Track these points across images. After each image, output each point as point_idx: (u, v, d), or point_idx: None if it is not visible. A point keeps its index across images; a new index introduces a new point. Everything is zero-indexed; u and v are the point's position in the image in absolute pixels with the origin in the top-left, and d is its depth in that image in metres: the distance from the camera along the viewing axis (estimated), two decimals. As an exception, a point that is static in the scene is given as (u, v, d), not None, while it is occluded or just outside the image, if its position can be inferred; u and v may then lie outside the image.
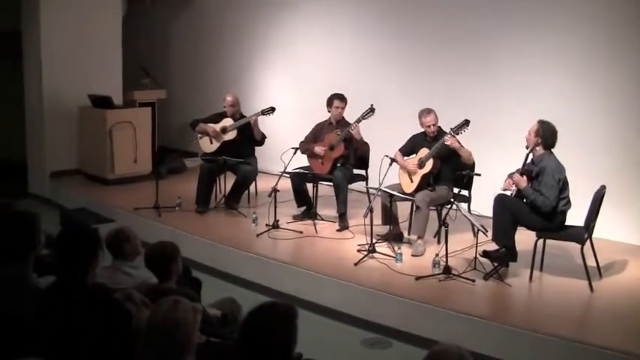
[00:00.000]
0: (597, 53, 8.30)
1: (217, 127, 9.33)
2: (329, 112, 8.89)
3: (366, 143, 8.66)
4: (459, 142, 7.66)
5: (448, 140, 7.59)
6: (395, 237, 7.99)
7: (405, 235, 8.15)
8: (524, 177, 6.85)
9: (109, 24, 11.73)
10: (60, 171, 11.35)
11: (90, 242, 4.18)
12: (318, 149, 8.69)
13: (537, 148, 6.86)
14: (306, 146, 8.84)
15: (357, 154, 8.74)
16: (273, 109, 9.31)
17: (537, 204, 6.71)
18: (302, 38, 11.50)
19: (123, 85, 11.91)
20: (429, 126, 7.91)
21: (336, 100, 8.80)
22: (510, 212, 6.91)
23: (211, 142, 9.35)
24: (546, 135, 6.84)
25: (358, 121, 8.49)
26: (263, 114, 9.24)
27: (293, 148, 8.62)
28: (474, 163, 7.84)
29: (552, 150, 6.89)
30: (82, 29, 11.27)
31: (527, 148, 6.91)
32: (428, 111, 7.94)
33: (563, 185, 6.78)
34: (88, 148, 11.29)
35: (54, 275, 4.27)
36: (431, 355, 3.01)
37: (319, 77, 10.98)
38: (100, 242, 4.28)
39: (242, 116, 9.37)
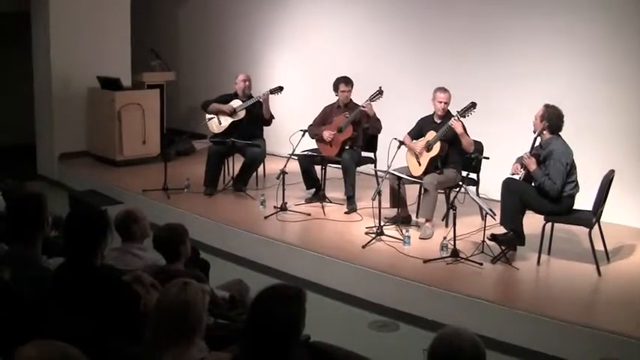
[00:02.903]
0: (608, 37, 8.25)
1: (228, 106, 9.34)
2: (336, 96, 8.87)
3: (379, 120, 8.62)
4: (465, 129, 7.65)
5: (454, 123, 7.58)
6: (403, 220, 7.98)
7: (413, 217, 8.15)
8: (533, 159, 6.83)
9: (117, 5, 11.69)
10: (69, 153, 11.37)
11: (99, 224, 4.18)
12: (327, 134, 8.67)
13: (544, 132, 6.84)
14: (315, 130, 8.83)
15: (369, 133, 8.73)
16: (281, 88, 9.29)
17: (545, 188, 6.70)
18: (312, 20, 11.47)
19: (132, 67, 11.90)
20: (441, 102, 7.87)
21: (342, 84, 8.78)
22: (518, 196, 6.90)
23: (220, 123, 9.35)
24: (552, 119, 6.81)
25: (367, 103, 8.47)
26: (272, 93, 9.23)
27: (301, 130, 8.60)
28: (482, 148, 7.83)
29: (560, 133, 6.87)
30: (91, 10, 11.24)
31: (534, 133, 6.89)
32: (444, 89, 7.90)
33: (571, 169, 6.76)
34: (97, 129, 11.31)
35: (63, 257, 4.28)
36: (441, 339, 2.98)
37: (328, 60, 10.96)
38: (108, 224, 4.29)
39: (250, 96, 9.37)
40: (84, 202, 8.90)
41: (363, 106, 8.44)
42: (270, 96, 9.23)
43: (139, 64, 12.13)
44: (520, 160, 7.00)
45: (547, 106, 6.87)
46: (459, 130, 7.60)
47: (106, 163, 11.06)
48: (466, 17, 9.50)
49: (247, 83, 9.44)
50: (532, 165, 6.81)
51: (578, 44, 8.51)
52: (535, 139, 6.88)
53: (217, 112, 9.35)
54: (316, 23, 11.39)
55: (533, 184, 6.92)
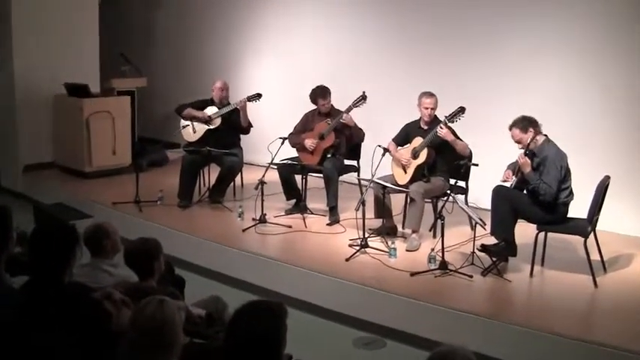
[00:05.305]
0: (600, 41, 8.34)
1: (203, 113, 9.32)
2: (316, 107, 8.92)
3: (361, 129, 8.67)
4: (455, 134, 7.69)
5: (441, 132, 7.60)
6: (388, 231, 7.99)
7: (399, 228, 8.18)
8: (528, 160, 6.83)
9: (84, 7, 11.65)
10: (34, 164, 11.30)
11: (67, 239, 4.17)
12: (309, 142, 8.69)
13: (537, 138, 6.85)
14: (295, 139, 8.84)
15: (352, 141, 8.75)
16: (259, 95, 9.30)
17: (540, 191, 6.71)
18: (292, 23, 11.48)
19: (100, 72, 11.86)
20: (427, 108, 7.89)
21: (319, 98, 8.81)
22: (510, 204, 6.92)
23: (194, 131, 9.34)
24: (528, 125, 6.83)
25: (349, 109, 8.50)
26: (249, 100, 9.23)
27: (281, 138, 8.61)
28: (471, 153, 7.86)
29: (551, 138, 6.90)
30: (57, 13, 11.19)
31: (525, 152, 6.87)
32: (430, 94, 7.92)
33: (566, 174, 6.78)
34: (64, 139, 11.24)
35: (28, 275, 4.26)
36: (435, 357, 3.00)
37: (309, 64, 10.99)
38: (77, 239, 4.27)
39: (227, 104, 9.37)
40: (50, 216, 8.84)
41: (343, 118, 8.47)
42: (248, 103, 9.23)
43: (108, 69, 12.11)
44: (511, 167, 7.02)
45: (517, 122, 6.88)
46: (449, 138, 7.62)
47: (73, 175, 10.99)
48: (455, 24, 9.54)
49: (224, 93, 9.43)
50: (527, 167, 6.81)
51: (569, 50, 8.57)
52: (527, 146, 6.88)
53: (192, 119, 9.33)
54: (297, 26, 11.40)
55: (525, 192, 6.95)
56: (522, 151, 6.90)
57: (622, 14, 8.16)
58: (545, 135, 6.89)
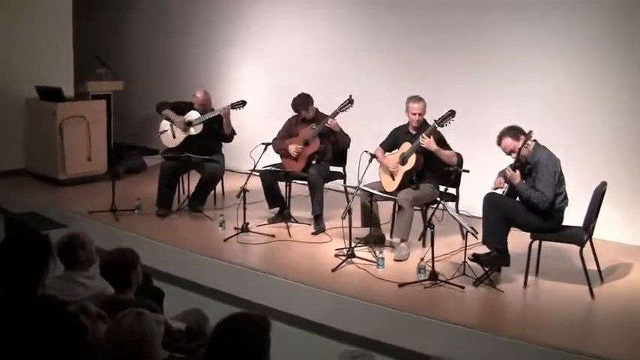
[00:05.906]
0: (597, 47, 8.37)
1: (182, 119, 9.30)
2: None
3: (347, 135, 8.66)
4: (444, 141, 7.71)
5: (423, 142, 7.61)
6: (376, 240, 7.98)
7: (387, 237, 8.18)
8: (517, 172, 6.86)
9: (58, 6, 11.60)
10: (4, 171, 11.22)
11: (40, 250, 4.15)
12: (293, 148, 8.68)
13: (528, 143, 6.85)
14: (279, 145, 8.83)
15: (337, 147, 8.75)
16: (243, 103, 9.28)
17: (533, 201, 6.72)
18: (276, 26, 11.48)
19: (74, 75, 11.81)
20: (415, 114, 7.90)
21: (302, 109, 8.80)
22: (502, 212, 6.92)
23: (174, 137, 9.31)
24: (516, 133, 6.85)
25: (335, 114, 8.49)
26: (233, 108, 9.21)
27: (264, 143, 8.59)
28: (461, 160, 7.86)
29: (541, 143, 6.91)
30: (27, 12, 11.14)
31: (517, 161, 6.89)
32: (418, 98, 7.93)
33: (559, 179, 6.79)
34: (36, 145, 11.19)
35: (-1, 287, 4.23)
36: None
37: (293, 68, 10.99)
38: (51, 250, 4.25)
39: (212, 110, 9.33)
40: (22, 226, 8.81)
41: (328, 123, 8.47)
42: (231, 110, 9.21)
43: (82, 71, 12.05)
44: (503, 174, 7.03)
45: (506, 132, 6.91)
46: (432, 147, 7.62)
47: (47, 183, 10.94)
48: (444, 26, 9.57)
49: (206, 106, 9.39)
50: (516, 179, 6.83)
51: (566, 55, 8.61)
52: (519, 153, 6.88)
53: (169, 120, 9.30)
54: (281, 28, 11.40)
55: (518, 199, 6.95)
56: (513, 160, 6.91)
57: (622, 20, 8.18)
58: (535, 140, 6.90)
